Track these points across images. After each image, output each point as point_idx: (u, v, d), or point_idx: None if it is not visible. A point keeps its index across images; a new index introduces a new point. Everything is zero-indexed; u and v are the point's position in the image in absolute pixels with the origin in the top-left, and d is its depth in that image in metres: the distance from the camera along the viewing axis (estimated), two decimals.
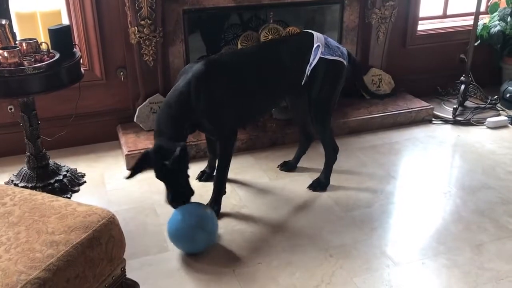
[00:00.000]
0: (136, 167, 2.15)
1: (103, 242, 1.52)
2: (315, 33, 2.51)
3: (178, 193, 2.23)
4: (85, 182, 2.79)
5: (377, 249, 2.22)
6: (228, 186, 2.56)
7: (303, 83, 2.46)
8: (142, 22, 2.89)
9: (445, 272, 2.09)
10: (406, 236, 2.33)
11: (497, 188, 2.71)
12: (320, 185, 2.69)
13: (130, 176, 2.15)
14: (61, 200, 1.65)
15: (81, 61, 2.73)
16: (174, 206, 2.22)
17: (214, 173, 2.48)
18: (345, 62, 2.52)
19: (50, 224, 1.51)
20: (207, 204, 2.41)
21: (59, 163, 2.78)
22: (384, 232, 2.35)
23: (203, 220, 2.16)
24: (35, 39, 2.39)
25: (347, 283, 2.02)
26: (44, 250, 1.40)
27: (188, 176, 2.26)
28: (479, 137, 3.33)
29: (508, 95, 3.68)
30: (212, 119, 2.29)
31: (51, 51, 2.41)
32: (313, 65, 2.43)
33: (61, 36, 2.44)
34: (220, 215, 2.42)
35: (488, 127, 3.45)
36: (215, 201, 2.44)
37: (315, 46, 2.44)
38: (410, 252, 2.21)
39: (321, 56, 2.43)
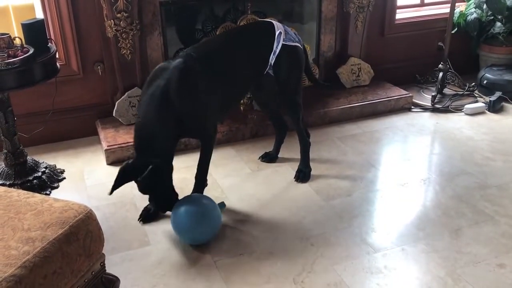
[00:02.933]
0: (116, 183, 2.14)
1: (81, 238, 1.51)
2: (274, 21, 2.54)
3: (161, 201, 2.26)
4: (64, 178, 2.76)
5: (357, 236, 2.25)
6: (210, 178, 2.55)
7: (265, 72, 2.49)
8: (118, 15, 2.86)
9: (424, 258, 2.12)
10: (385, 223, 2.36)
11: (474, 173, 2.75)
12: (305, 175, 2.70)
13: (112, 191, 2.14)
14: (37, 197, 1.63)
15: (56, 56, 2.70)
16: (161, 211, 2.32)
17: (197, 167, 2.41)
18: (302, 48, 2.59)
19: (26, 220, 1.49)
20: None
21: (37, 160, 2.75)
22: (364, 220, 2.37)
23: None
24: (8, 34, 2.35)
25: (328, 271, 2.03)
26: (20, 247, 1.39)
27: (170, 185, 2.28)
28: (458, 123, 3.37)
29: (485, 82, 3.72)
30: (196, 116, 2.24)
31: (25, 46, 2.37)
32: (277, 52, 2.45)
33: (35, 31, 2.41)
34: None
35: (466, 114, 3.49)
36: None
37: (277, 33, 2.46)
38: (390, 239, 2.23)
39: (283, 43, 2.47)
